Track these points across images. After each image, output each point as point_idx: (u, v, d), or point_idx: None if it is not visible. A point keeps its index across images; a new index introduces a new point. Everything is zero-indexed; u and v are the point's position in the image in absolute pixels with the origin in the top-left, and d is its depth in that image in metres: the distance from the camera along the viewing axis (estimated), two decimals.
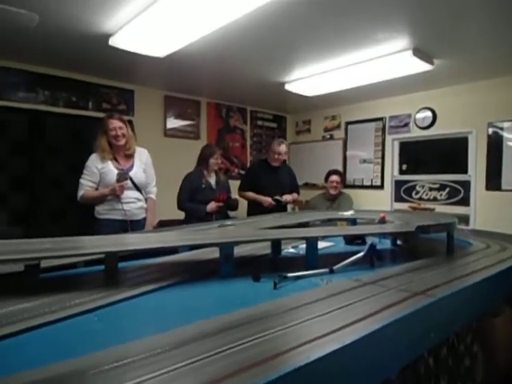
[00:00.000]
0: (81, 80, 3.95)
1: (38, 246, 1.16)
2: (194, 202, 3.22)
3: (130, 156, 2.69)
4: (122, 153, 2.66)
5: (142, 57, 3.16)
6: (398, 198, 4.70)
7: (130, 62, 3.47)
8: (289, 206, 4.09)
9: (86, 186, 2.57)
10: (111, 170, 2.58)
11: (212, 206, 3.20)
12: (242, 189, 3.77)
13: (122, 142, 2.60)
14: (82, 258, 1.32)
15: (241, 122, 5.44)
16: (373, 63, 3.31)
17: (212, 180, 3.36)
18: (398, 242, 2.01)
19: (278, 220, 2.19)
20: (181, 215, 3.35)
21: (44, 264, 1.18)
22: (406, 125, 4.62)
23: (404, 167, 4.74)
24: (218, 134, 5.16)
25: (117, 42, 2.86)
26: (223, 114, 5.23)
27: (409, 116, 4.59)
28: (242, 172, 5.34)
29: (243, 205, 3.89)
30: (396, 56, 3.12)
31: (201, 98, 4.94)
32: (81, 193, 2.58)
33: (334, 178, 4.31)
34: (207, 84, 4.47)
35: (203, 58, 3.37)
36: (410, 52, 3.03)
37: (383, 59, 3.21)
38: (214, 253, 1.43)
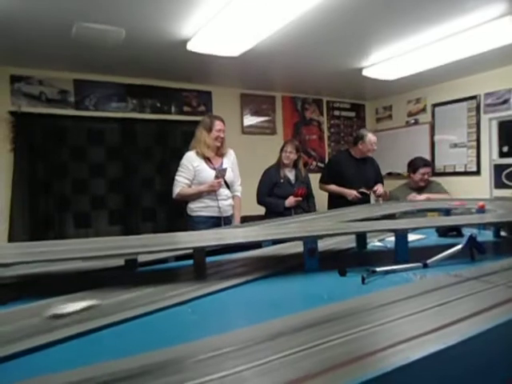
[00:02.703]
0: (163, 86, 4.22)
1: (135, 243, 1.26)
2: (273, 196, 3.25)
3: (220, 155, 2.83)
4: (214, 152, 2.80)
5: (218, 58, 3.26)
6: (499, 185, 4.20)
7: (207, 64, 3.61)
8: (372, 198, 3.91)
9: (182, 183, 2.73)
10: (205, 167, 2.73)
11: (291, 200, 3.19)
12: (323, 181, 3.70)
13: (221, 143, 2.78)
14: (174, 253, 1.40)
15: (317, 113, 5.34)
16: (463, 36, 2.98)
17: (291, 175, 3.35)
18: (503, 234, 1.79)
19: (361, 212, 2.10)
20: (261, 211, 3.39)
21: (140, 259, 1.28)
22: (506, 101, 4.10)
23: (505, 149, 4.22)
24: (294, 128, 5.13)
25: (194, 46, 2.99)
26: (299, 107, 5.18)
27: (509, 91, 4.06)
28: (321, 165, 5.24)
29: (324, 198, 3.81)
30: (491, 24, 2.77)
31: (275, 93, 4.95)
32: (177, 190, 2.73)
33: (427, 169, 3.70)
34: (281, 78, 4.46)
35: (276, 53, 3.37)
36: (508, 18, 2.67)
37: (475, 30, 2.87)
38: (297, 247, 1.42)
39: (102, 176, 3.97)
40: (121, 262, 1.26)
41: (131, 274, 1.25)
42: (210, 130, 2.75)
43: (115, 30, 2.72)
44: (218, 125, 2.75)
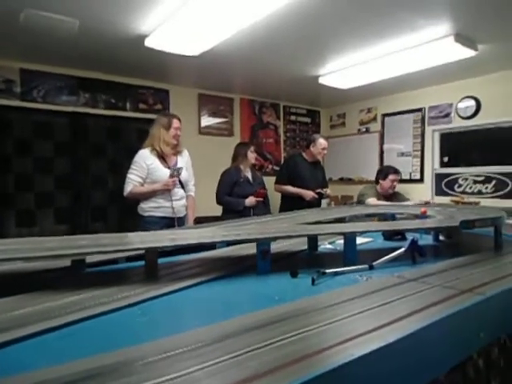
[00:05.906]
0: (119, 82, 4.08)
1: (83, 243, 1.21)
2: (233, 196, 3.28)
3: (174, 154, 2.78)
4: (171, 150, 2.75)
5: (177, 56, 3.22)
6: (440, 192, 4.51)
7: (165, 62, 3.55)
8: (323, 202, 4.04)
9: (135, 181, 2.63)
10: (159, 166, 2.66)
11: (251, 200, 3.24)
12: (279, 182, 3.77)
13: (177, 142, 2.74)
14: (125, 254, 1.36)
15: (274, 117, 5.42)
16: (411, 51, 3.19)
17: (249, 175, 3.41)
18: (441, 238, 1.92)
19: (314, 215, 2.16)
20: (216, 211, 3.38)
21: (88, 259, 1.23)
22: (447, 115, 4.42)
23: (445, 159, 4.54)
24: (251, 131, 5.17)
25: (152, 42, 2.93)
26: (256, 111, 5.23)
27: (450, 106, 4.38)
28: (276, 168, 5.32)
29: (276, 200, 3.87)
30: (436, 43, 2.98)
31: (234, 95, 4.97)
32: (129, 188, 2.62)
33: (396, 176, 3.72)
34: (240, 80, 4.49)
35: (236, 55, 3.38)
36: (451, 38, 2.89)
37: (423, 47, 3.08)
38: (251, 248, 1.43)
39: (49, 172, 3.76)
40: (67, 262, 1.21)
41: (78, 276, 1.20)
42: (168, 127, 2.71)
43: (69, 21, 2.60)
44: (175, 123, 2.73)
